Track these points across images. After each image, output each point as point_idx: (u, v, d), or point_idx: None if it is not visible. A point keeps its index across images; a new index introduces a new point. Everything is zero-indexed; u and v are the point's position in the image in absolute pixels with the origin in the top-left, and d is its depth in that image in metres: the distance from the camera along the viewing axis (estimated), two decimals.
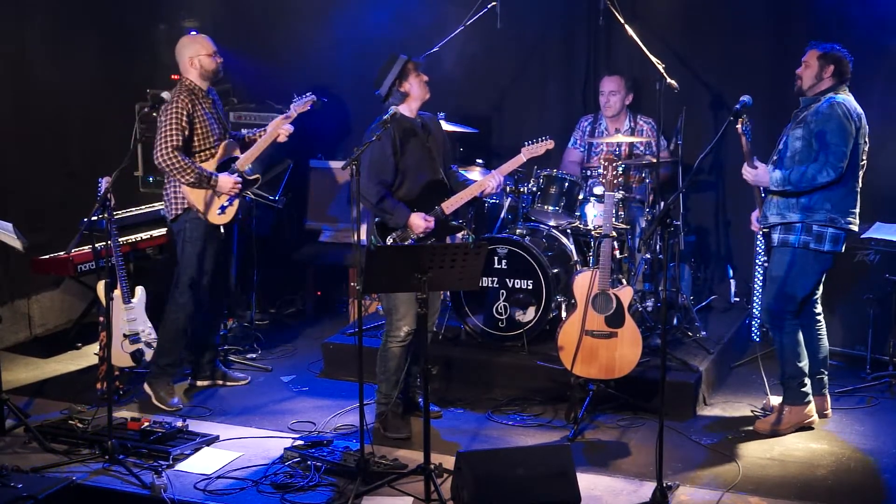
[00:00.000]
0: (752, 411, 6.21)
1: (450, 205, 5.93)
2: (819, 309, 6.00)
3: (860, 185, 5.78)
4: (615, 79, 7.26)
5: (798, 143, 5.73)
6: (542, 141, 6.06)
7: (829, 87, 5.74)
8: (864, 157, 5.80)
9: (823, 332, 6.02)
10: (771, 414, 5.98)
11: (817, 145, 5.64)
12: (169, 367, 6.44)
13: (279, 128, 6.34)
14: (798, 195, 5.69)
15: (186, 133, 6.13)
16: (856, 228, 5.79)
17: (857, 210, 5.76)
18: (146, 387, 6.41)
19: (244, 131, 6.67)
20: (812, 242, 5.70)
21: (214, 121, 6.31)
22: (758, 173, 5.79)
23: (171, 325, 6.40)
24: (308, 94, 6.39)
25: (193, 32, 6.63)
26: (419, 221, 5.81)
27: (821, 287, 5.95)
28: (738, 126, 5.74)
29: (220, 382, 6.71)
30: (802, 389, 5.88)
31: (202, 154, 6.26)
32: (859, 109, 5.73)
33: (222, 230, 6.36)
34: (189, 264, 6.30)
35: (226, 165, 6.30)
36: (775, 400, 6.13)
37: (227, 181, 6.21)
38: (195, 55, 6.25)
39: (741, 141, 5.78)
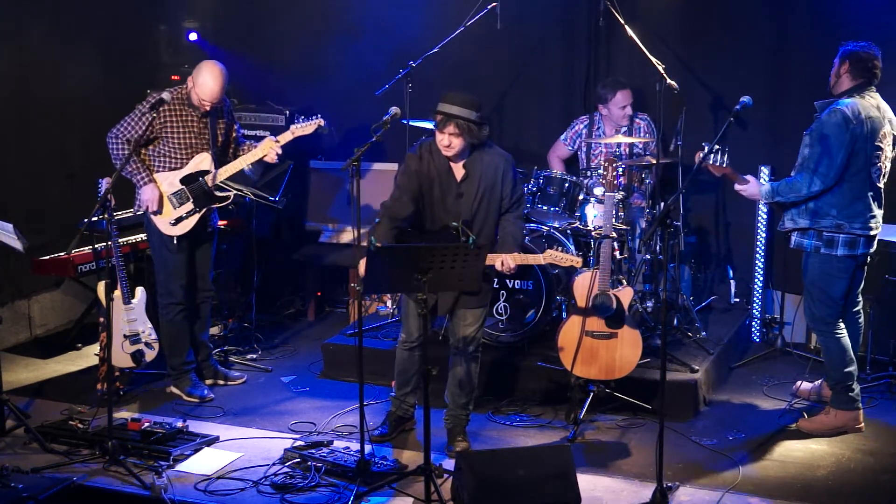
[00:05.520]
0: (788, 407, 6.19)
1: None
2: (858, 307, 5.98)
3: (881, 186, 5.71)
4: (629, 91, 7.21)
5: (806, 151, 5.70)
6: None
7: (851, 88, 5.65)
8: (882, 161, 5.69)
9: (855, 331, 5.98)
10: (817, 414, 5.95)
11: (810, 154, 5.63)
12: (183, 365, 6.48)
13: (268, 148, 6.29)
14: (801, 203, 5.68)
15: (142, 130, 6.07)
16: (873, 233, 5.72)
17: (875, 213, 5.69)
18: (173, 390, 6.51)
19: (245, 140, 6.63)
20: (823, 247, 5.68)
21: (193, 134, 6.24)
22: (749, 188, 5.81)
23: (166, 326, 6.45)
24: (316, 115, 6.35)
25: (215, 63, 6.23)
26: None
27: (861, 284, 5.91)
28: (704, 158, 5.58)
29: (221, 382, 6.71)
30: (850, 395, 5.85)
31: (170, 161, 6.23)
32: (874, 112, 5.60)
33: (175, 241, 6.29)
34: (158, 268, 6.40)
35: (193, 178, 6.25)
36: (805, 385, 6.15)
37: (145, 191, 6.17)
38: (194, 85, 6.15)
39: (715, 174, 5.75)
